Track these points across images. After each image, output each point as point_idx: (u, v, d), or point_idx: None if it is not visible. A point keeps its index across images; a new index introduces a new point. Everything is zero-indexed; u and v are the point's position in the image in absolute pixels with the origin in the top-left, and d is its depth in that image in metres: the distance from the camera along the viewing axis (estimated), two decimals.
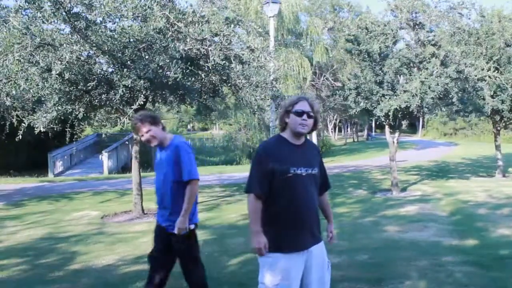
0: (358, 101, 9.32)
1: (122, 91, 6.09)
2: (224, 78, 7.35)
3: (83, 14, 5.91)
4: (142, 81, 6.07)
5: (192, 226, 3.22)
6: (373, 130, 53.96)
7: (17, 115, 8.16)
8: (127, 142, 22.34)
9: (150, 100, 7.41)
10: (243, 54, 6.93)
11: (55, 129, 7.37)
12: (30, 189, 12.22)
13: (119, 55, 6.24)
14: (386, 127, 9.93)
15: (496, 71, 9.76)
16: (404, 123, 10.24)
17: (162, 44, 6.15)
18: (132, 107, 6.36)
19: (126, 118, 6.62)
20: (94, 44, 6.01)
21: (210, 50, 6.38)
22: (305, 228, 2.55)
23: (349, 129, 55.32)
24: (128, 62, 6.34)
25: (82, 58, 6.34)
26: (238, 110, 23.34)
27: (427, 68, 8.56)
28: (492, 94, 10.53)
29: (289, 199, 2.50)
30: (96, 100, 6.89)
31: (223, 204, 8.84)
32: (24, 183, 13.83)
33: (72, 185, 13.20)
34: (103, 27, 6.15)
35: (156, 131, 3.21)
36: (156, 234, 3.35)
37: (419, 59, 8.88)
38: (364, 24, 9.39)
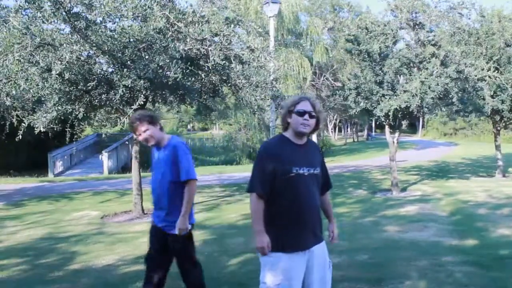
0: (358, 101, 9.32)
1: (122, 91, 6.09)
2: (224, 78, 7.34)
3: (83, 14, 5.91)
4: (142, 81, 6.07)
5: (189, 227, 3.22)
6: (373, 130, 53.96)
7: (17, 115, 8.16)
8: (127, 142, 22.34)
9: (150, 100, 7.41)
10: (243, 54, 6.93)
11: (55, 129, 7.37)
12: (30, 189, 12.22)
13: (119, 55, 6.24)
14: (386, 127, 9.93)
15: (496, 71, 9.76)
16: (404, 123, 10.24)
17: (162, 44, 6.15)
18: (132, 107, 6.36)
19: (126, 118, 6.61)
20: (94, 44, 6.01)
21: (210, 50, 6.38)
22: (307, 228, 2.55)
23: (349, 129, 55.32)
24: (128, 62, 6.34)
25: (82, 58, 6.34)
26: (238, 110, 23.33)
27: (427, 68, 8.56)
28: (492, 94, 10.53)
29: (291, 198, 2.50)
30: (96, 100, 6.89)
31: (223, 204, 8.84)
32: (24, 183, 13.83)
33: (72, 185, 13.20)
34: (103, 27, 6.15)
35: (154, 131, 3.22)
36: (152, 235, 3.35)
37: (419, 59, 8.88)
38: (364, 24, 9.39)
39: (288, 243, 2.49)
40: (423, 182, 11.56)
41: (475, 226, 6.34)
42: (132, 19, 6.15)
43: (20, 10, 5.78)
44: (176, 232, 3.14)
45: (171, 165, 3.16)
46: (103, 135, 20.87)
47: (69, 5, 5.67)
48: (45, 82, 6.08)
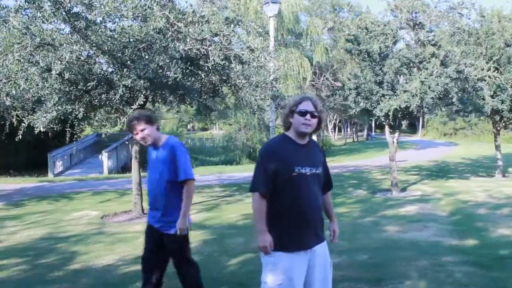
0: (358, 101, 9.32)
1: (122, 91, 6.09)
2: (224, 78, 7.34)
3: (83, 14, 5.91)
4: (142, 81, 6.07)
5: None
6: (373, 130, 53.96)
7: (17, 115, 8.16)
8: (127, 142, 22.34)
9: (150, 100, 7.41)
10: (243, 54, 6.93)
11: (55, 129, 7.37)
12: (30, 189, 12.22)
13: (119, 55, 6.24)
14: (386, 127, 9.93)
15: (496, 71, 9.76)
16: (404, 123, 10.25)
17: (162, 44, 6.15)
18: (132, 107, 6.36)
19: (126, 118, 6.62)
20: (94, 44, 6.01)
21: (210, 50, 6.38)
22: (309, 228, 2.56)
23: (349, 129, 55.32)
24: (128, 62, 6.34)
25: (82, 58, 6.34)
26: (238, 110, 23.34)
27: (427, 68, 8.56)
28: (492, 94, 10.53)
29: (293, 198, 2.51)
30: (96, 100, 6.89)
31: (223, 204, 8.84)
32: (24, 183, 13.83)
33: (72, 185, 13.20)
34: (103, 27, 6.14)
35: (151, 130, 3.22)
36: (147, 235, 3.35)
37: (419, 59, 8.88)
38: (364, 24, 9.39)
39: (290, 243, 2.50)
40: (423, 182, 11.56)
41: (475, 226, 6.34)
42: (132, 19, 6.15)
43: (20, 10, 5.78)
44: (177, 232, 3.15)
45: (169, 165, 3.16)
46: (103, 135, 20.88)
47: (69, 5, 5.67)
48: (45, 82, 6.08)
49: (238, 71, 6.92)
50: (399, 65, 8.81)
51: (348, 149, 34.48)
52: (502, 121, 12.00)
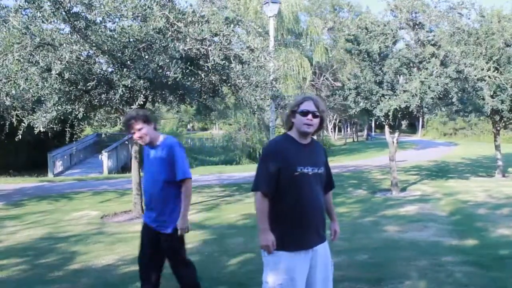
0: (358, 101, 9.32)
1: (122, 91, 6.09)
2: (224, 78, 7.34)
3: (83, 14, 5.91)
4: (142, 81, 6.07)
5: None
6: (373, 130, 53.96)
7: (16, 115, 8.16)
8: (126, 142, 22.33)
9: (150, 100, 7.41)
10: (243, 54, 6.93)
11: (55, 129, 7.37)
12: (30, 189, 12.21)
13: (119, 55, 6.24)
14: (386, 127, 9.93)
15: (496, 71, 9.77)
16: (404, 123, 10.25)
17: (162, 44, 6.15)
18: (132, 107, 6.36)
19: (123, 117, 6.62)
20: (94, 44, 6.01)
21: (210, 50, 6.38)
22: (311, 227, 2.56)
23: (349, 129, 55.32)
24: (128, 62, 6.34)
25: (82, 58, 6.34)
26: (238, 110, 23.35)
27: (427, 68, 8.56)
28: (491, 94, 10.52)
29: (295, 198, 2.51)
30: (96, 100, 6.89)
31: (223, 204, 8.84)
32: (24, 183, 13.82)
33: (71, 185, 13.20)
34: (103, 27, 6.14)
35: (148, 130, 3.22)
36: (144, 235, 3.36)
37: (419, 59, 8.88)
38: (364, 24, 9.39)
39: (292, 242, 2.50)
40: (423, 182, 11.56)
41: (475, 226, 6.34)
42: (132, 19, 6.15)
43: (19, 10, 5.77)
44: (178, 232, 3.16)
45: (167, 165, 3.17)
46: (103, 135, 20.90)
47: (68, 5, 5.67)
48: (45, 82, 6.07)
49: (238, 71, 6.92)
50: (399, 65, 8.81)
51: (348, 149, 34.49)
52: (502, 121, 12.00)
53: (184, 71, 6.31)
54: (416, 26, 9.21)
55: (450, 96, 8.78)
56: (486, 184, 10.75)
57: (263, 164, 2.56)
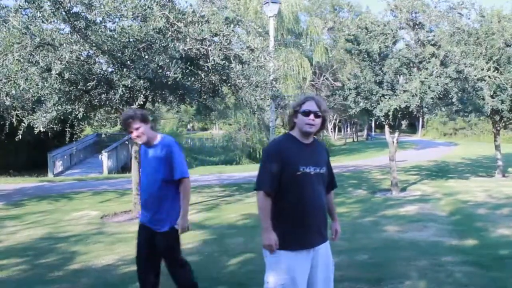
0: (358, 101, 9.32)
1: (122, 91, 6.09)
2: (224, 78, 7.34)
3: (83, 14, 5.91)
4: (142, 81, 6.08)
5: (177, 226, 3.22)
6: (373, 130, 53.96)
7: (16, 115, 8.16)
8: (126, 142, 22.33)
9: (150, 100, 7.41)
10: (243, 54, 6.94)
11: (55, 129, 7.37)
12: (30, 189, 12.21)
13: (119, 55, 6.24)
14: (386, 127, 9.92)
15: (496, 71, 9.77)
16: (404, 123, 10.25)
17: (162, 44, 6.15)
18: (132, 107, 6.36)
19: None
20: (94, 44, 6.01)
21: (210, 50, 6.38)
22: (313, 227, 2.57)
23: (348, 129, 55.32)
24: (128, 62, 6.34)
25: (82, 58, 6.34)
26: (238, 110, 23.36)
27: (426, 68, 8.56)
28: (491, 94, 10.52)
29: (297, 197, 2.52)
30: (96, 100, 6.89)
31: (223, 204, 8.84)
32: (24, 183, 13.82)
33: (71, 185, 13.20)
34: (103, 27, 6.15)
35: (145, 129, 3.23)
36: (140, 235, 3.36)
37: (419, 59, 8.87)
38: (364, 24, 9.39)
39: (294, 242, 2.51)
40: (423, 182, 11.56)
41: (475, 226, 6.34)
42: (132, 19, 6.15)
43: (19, 10, 5.78)
44: (179, 232, 3.17)
45: (165, 164, 3.18)
46: (103, 135, 20.88)
47: (68, 5, 5.67)
48: (45, 82, 6.08)
49: (238, 71, 6.92)
50: (399, 65, 8.81)
51: (348, 149, 34.48)
52: (502, 121, 12.00)
53: (184, 71, 6.31)
54: (416, 26, 9.21)
55: (450, 96, 8.78)
56: (486, 184, 10.75)
57: (265, 164, 2.57)
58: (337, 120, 46.68)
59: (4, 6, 6.09)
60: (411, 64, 9.00)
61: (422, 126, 51.65)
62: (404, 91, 8.59)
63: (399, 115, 9.35)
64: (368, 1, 51.72)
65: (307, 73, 25.25)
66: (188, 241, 5.61)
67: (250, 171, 15.35)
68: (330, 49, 27.59)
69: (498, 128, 12.31)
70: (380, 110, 8.84)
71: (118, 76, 6.12)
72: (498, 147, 12.31)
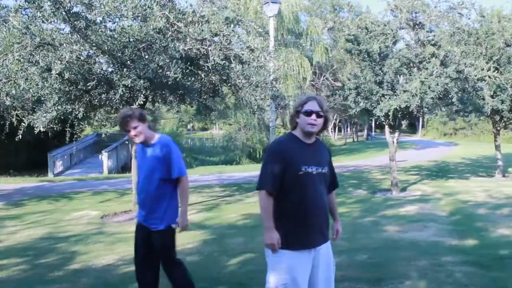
0: (358, 101, 9.32)
1: (122, 90, 6.09)
2: (224, 78, 7.34)
3: (83, 14, 5.91)
4: (142, 81, 6.07)
5: (174, 225, 3.23)
6: (373, 130, 53.95)
7: (17, 115, 8.16)
8: (126, 142, 22.32)
9: (150, 100, 7.41)
10: (243, 54, 6.93)
11: (55, 128, 7.37)
12: (30, 189, 12.22)
13: (119, 55, 6.24)
14: (386, 127, 9.92)
15: (496, 71, 9.76)
16: (404, 123, 10.25)
17: (162, 44, 6.15)
18: (132, 107, 6.36)
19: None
20: (94, 44, 6.01)
21: (210, 50, 6.38)
22: (315, 227, 2.57)
23: (349, 129, 55.31)
24: (128, 62, 6.34)
25: (82, 58, 6.34)
26: (238, 110, 23.36)
27: (427, 68, 8.56)
28: (492, 94, 10.52)
29: (299, 197, 2.53)
30: (96, 100, 6.89)
31: (223, 204, 8.84)
32: (24, 183, 13.83)
33: (71, 185, 13.20)
34: (103, 26, 6.14)
35: (143, 128, 3.23)
36: (137, 234, 3.37)
37: (419, 59, 8.87)
38: (364, 24, 9.39)
39: (296, 241, 2.52)
40: (423, 182, 11.56)
41: (475, 226, 6.34)
42: (132, 19, 6.15)
43: (20, 9, 5.78)
44: (179, 230, 3.19)
45: (162, 163, 3.19)
46: (103, 135, 20.89)
47: (69, 4, 5.67)
48: (45, 82, 6.08)
49: (238, 71, 6.92)
50: (399, 65, 8.81)
51: (348, 149, 34.48)
52: (502, 121, 12.00)
53: (184, 71, 6.31)
54: (416, 26, 9.21)
55: (450, 96, 8.78)
56: (486, 184, 10.74)
57: (267, 163, 2.57)
58: (337, 120, 46.67)
59: (4, 6, 6.09)
60: (411, 64, 9.00)
61: (422, 126, 51.64)
62: (404, 91, 8.59)
63: (399, 115, 9.35)
64: (368, 1, 51.74)
65: (307, 73, 25.25)
66: (188, 241, 5.61)
67: (250, 171, 15.36)
68: (330, 49, 27.60)
69: (498, 128, 12.32)
70: (380, 110, 8.84)
71: (118, 76, 6.12)
72: (498, 147, 12.30)
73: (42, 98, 6.74)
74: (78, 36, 5.95)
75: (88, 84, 6.40)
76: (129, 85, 6.08)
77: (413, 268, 4.40)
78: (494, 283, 3.97)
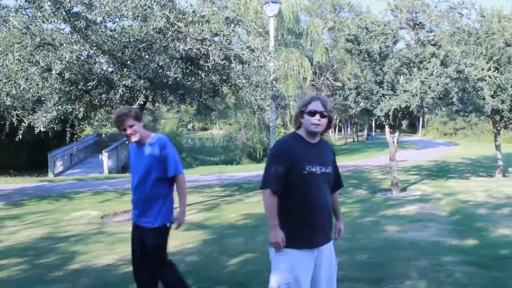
0: (358, 101, 9.32)
1: (122, 90, 6.10)
2: (224, 78, 7.35)
3: (83, 14, 5.91)
4: (142, 81, 6.08)
5: (168, 224, 3.24)
6: (373, 130, 53.96)
7: (17, 115, 8.17)
8: (127, 142, 22.25)
9: (150, 100, 7.41)
10: (243, 54, 6.94)
11: (55, 128, 7.38)
12: (30, 189, 12.22)
13: (119, 54, 6.24)
14: (386, 127, 9.92)
15: (496, 71, 9.76)
16: (404, 123, 10.24)
17: (162, 44, 6.16)
18: (132, 107, 6.36)
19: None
20: (94, 44, 6.01)
21: (210, 50, 6.38)
22: (318, 226, 2.58)
23: (349, 129, 55.33)
24: (128, 62, 6.34)
25: (82, 58, 6.35)
26: (238, 110, 23.36)
27: (427, 68, 8.56)
28: (492, 94, 10.52)
29: (303, 196, 2.53)
30: (96, 100, 6.89)
31: (223, 204, 8.84)
32: (24, 183, 13.83)
33: (72, 185, 13.20)
34: (103, 26, 6.15)
35: (139, 127, 3.23)
36: (133, 235, 3.36)
37: (419, 59, 8.87)
38: (364, 24, 9.39)
39: (299, 241, 2.52)
40: (423, 182, 11.55)
41: (475, 226, 6.34)
42: (132, 19, 6.15)
43: (20, 9, 5.78)
44: (177, 227, 3.22)
45: (158, 162, 3.19)
46: (103, 135, 20.91)
47: (69, 4, 5.67)
48: (45, 82, 6.08)
49: (238, 71, 6.92)
50: (399, 65, 8.80)
51: (348, 149, 34.47)
52: (502, 121, 12.00)
53: (184, 71, 6.31)
54: (416, 26, 9.21)
55: (451, 96, 8.78)
56: (487, 184, 10.74)
57: (271, 163, 2.58)
58: (337, 120, 46.66)
59: (4, 6, 6.10)
60: (412, 64, 8.99)
61: (423, 126, 51.65)
62: (405, 91, 8.59)
63: (399, 115, 9.35)
64: (369, 1, 51.71)
65: (308, 73, 25.24)
66: (188, 241, 5.61)
67: (250, 171, 15.36)
68: (331, 49, 27.60)
69: (499, 128, 12.31)
70: (380, 110, 8.84)
71: (118, 76, 6.13)
72: (499, 147, 12.30)
73: (42, 98, 6.75)
74: (78, 36, 5.95)
75: (88, 84, 6.40)
76: (129, 85, 6.09)
77: (413, 268, 4.40)
78: (494, 283, 3.97)
